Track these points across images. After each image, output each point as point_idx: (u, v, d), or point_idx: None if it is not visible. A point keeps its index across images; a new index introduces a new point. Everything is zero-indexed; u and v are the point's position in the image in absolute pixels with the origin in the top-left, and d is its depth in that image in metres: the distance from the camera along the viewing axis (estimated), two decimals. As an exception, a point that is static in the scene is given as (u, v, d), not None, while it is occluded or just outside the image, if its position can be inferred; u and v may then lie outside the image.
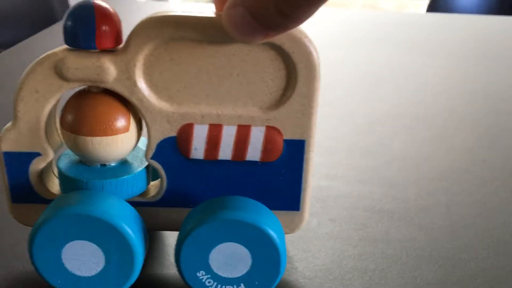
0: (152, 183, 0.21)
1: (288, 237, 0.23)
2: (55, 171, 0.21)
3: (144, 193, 0.21)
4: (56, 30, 0.59)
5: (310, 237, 0.23)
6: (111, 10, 0.18)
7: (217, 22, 0.17)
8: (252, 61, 0.18)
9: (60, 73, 0.18)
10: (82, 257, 0.18)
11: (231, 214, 0.18)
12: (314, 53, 0.18)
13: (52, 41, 0.56)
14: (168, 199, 0.20)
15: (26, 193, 0.20)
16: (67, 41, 0.18)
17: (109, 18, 0.18)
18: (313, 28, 0.18)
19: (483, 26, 0.68)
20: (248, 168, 0.20)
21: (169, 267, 0.21)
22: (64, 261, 0.18)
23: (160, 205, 0.20)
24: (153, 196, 0.20)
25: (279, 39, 0.17)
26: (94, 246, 0.18)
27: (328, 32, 0.62)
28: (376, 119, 0.37)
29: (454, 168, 0.30)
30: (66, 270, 0.18)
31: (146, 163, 0.20)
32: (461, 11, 0.97)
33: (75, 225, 0.18)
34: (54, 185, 0.21)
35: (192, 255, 0.18)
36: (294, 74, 0.18)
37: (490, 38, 0.62)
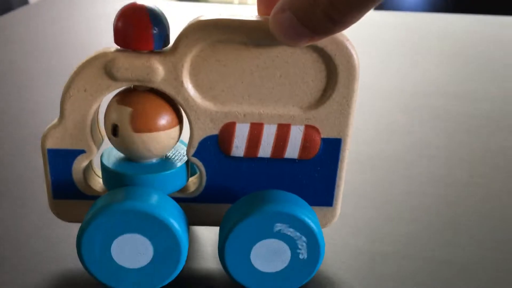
0: (190, 179, 0.22)
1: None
2: (95, 168, 0.22)
3: (183, 189, 0.21)
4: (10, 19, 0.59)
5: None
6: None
7: (263, 25, 0.18)
8: (295, 63, 0.19)
9: (109, 73, 0.18)
10: (131, 251, 0.19)
11: (273, 207, 0.19)
12: (354, 56, 0.19)
13: (9, 29, 0.56)
14: (207, 195, 0.21)
15: (67, 189, 0.21)
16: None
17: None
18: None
19: (427, 24, 0.69)
20: (286, 165, 0.21)
21: (207, 260, 0.22)
22: (113, 255, 0.19)
23: (199, 200, 0.21)
24: (192, 192, 0.21)
25: (322, 42, 0.18)
26: (143, 239, 0.18)
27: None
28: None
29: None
30: (115, 263, 0.19)
31: (186, 160, 0.21)
32: (407, 9, 0.97)
33: (125, 220, 0.18)
34: (95, 182, 0.21)
35: (235, 249, 0.19)
36: (335, 76, 0.19)
37: (433, 35, 0.63)
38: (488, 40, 0.62)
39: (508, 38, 0.63)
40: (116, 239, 0.18)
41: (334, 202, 0.21)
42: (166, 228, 0.18)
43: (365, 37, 0.61)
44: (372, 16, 0.72)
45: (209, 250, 0.23)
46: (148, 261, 0.19)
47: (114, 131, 0.19)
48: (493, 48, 0.58)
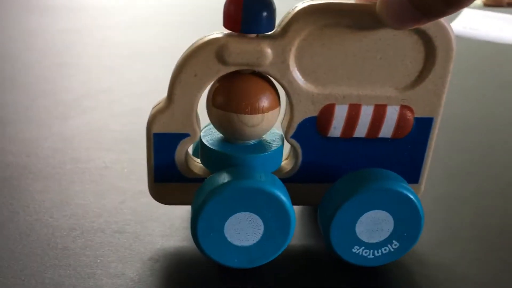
0: (283, 160, 0.23)
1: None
2: (191, 150, 0.22)
3: (277, 170, 0.22)
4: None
5: None
6: None
7: (371, 8, 0.19)
8: (396, 45, 0.20)
9: (221, 58, 0.19)
10: (243, 228, 0.19)
11: (378, 184, 0.20)
12: (453, 37, 0.20)
13: None
14: (302, 175, 0.22)
15: (169, 172, 0.21)
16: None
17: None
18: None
19: None
20: (378, 144, 0.21)
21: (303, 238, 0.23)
22: (226, 234, 0.19)
23: (295, 181, 0.22)
24: (287, 172, 0.22)
25: (425, 24, 0.19)
26: (255, 216, 0.19)
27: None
28: None
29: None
30: (228, 243, 0.19)
31: (281, 141, 0.22)
32: None
33: (238, 198, 0.19)
34: (192, 164, 0.22)
35: (339, 229, 0.20)
36: (433, 57, 0.20)
37: None
38: None
39: None
40: (229, 219, 0.19)
41: (420, 179, 0.22)
42: (277, 202, 0.19)
43: None
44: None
45: (306, 228, 0.24)
46: (259, 237, 0.20)
47: None
48: None
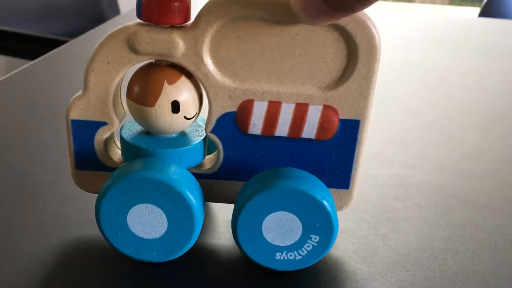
0: (207, 156, 0.22)
1: (377, 218, 0.24)
2: (117, 140, 0.22)
3: (200, 165, 0.22)
4: (104, 29, 0.61)
5: (398, 219, 0.24)
6: None
7: (284, 2, 0.18)
8: (315, 41, 0.19)
9: (132, 46, 0.19)
10: (146, 221, 0.19)
11: (287, 183, 0.19)
12: (376, 36, 0.18)
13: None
14: (223, 172, 0.21)
15: (89, 160, 0.21)
16: (139, 15, 0.19)
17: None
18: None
19: None
20: (303, 145, 0.21)
21: (220, 238, 0.22)
22: (129, 224, 0.19)
23: (216, 177, 0.21)
24: (209, 169, 0.21)
25: (343, 20, 0.18)
26: (158, 210, 0.19)
27: (391, 34, 0.64)
28: (444, 116, 0.38)
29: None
30: (131, 232, 0.19)
31: (204, 136, 0.21)
32: None
33: (141, 189, 0.19)
34: (116, 154, 0.22)
35: (247, 224, 0.19)
36: (355, 56, 0.19)
37: None
38: None
39: None
40: (132, 209, 0.19)
41: (350, 184, 0.21)
42: (181, 199, 0.19)
43: (470, 42, 0.61)
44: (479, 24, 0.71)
45: (221, 227, 0.23)
46: (162, 233, 0.19)
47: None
48: None
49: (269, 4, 0.18)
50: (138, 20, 0.19)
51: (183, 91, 0.20)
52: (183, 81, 0.20)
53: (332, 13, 0.16)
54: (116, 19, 0.69)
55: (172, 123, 0.20)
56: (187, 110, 0.20)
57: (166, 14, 0.18)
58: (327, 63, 0.19)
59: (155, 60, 0.20)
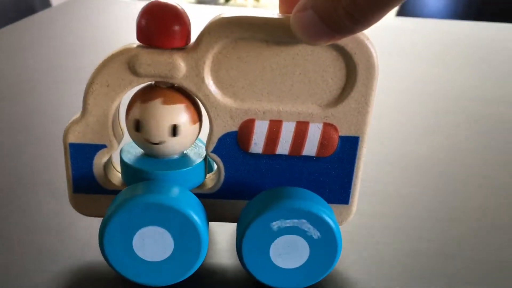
0: (208, 175, 0.22)
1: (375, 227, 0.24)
2: (115, 162, 0.22)
3: (201, 185, 0.22)
4: (33, 21, 0.60)
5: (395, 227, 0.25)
6: (182, 9, 0.19)
7: (284, 23, 0.18)
8: (315, 61, 0.19)
9: (132, 69, 0.19)
10: (152, 244, 0.19)
11: (290, 203, 0.19)
12: (374, 55, 0.19)
13: (29, 31, 0.57)
14: (225, 191, 0.21)
15: (88, 183, 0.21)
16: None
17: (181, 18, 0.18)
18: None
19: (450, 30, 0.69)
20: (303, 162, 0.21)
21: (223, 256, 0.22)
22: (134, 248, 0.19)
23: (217, 197, 0.21)
24: (210, 188, 0.21)
25: (343, 40, 0.19)
26: (164, 232, 0.19)
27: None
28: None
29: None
30: (136, 257, 0.19)
31: (204, 156, 0.21)
32: (429, 16, 0.98)
33: (147, 213, 0.18)
34: (115, 176, 0.21)
35: (252, 245, 0.19)
36: (354, 74, 0.19)
37: (457, 43, 0.63)
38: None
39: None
40: (138, 232, 0.19)
41: (350, 200, 0.22)
42: (187, 221, 0.18)
43: (387, 42, 0.61)
44: (394, 23, 0.72)
45: (224, 246, 0.23)
46: (169, 255, 0.19)
47: (175, 131, 0.19)
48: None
49: (270, 25, 0.18)
50: (138, 43, 0.19)
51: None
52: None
53: (333, 35, 0.17)
54: (46, 11, 0.67)
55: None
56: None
57: (166, 37, 0.18)
58: (327, 81, 0.20)
59: (155, 82, 0.20)
